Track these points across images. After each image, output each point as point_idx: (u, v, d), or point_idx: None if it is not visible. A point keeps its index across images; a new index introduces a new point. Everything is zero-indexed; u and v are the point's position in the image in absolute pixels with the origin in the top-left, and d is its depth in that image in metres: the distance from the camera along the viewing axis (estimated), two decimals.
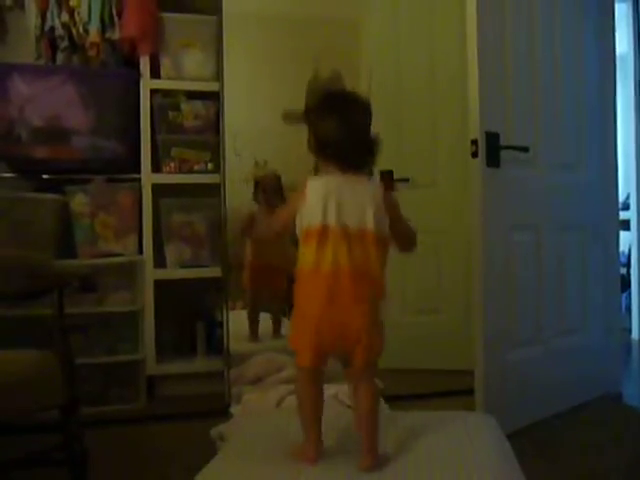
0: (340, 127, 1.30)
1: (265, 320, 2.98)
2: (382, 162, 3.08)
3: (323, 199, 1.28)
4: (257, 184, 2.79)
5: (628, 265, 3.56)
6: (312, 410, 1.31)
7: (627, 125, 3.37)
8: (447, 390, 2.38)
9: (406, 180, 2.83)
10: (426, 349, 2.77)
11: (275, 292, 3.02)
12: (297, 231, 1.34)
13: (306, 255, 1.28)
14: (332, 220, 1.27)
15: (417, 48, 2.87)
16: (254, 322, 2.85)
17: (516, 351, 2.08)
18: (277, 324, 3.02)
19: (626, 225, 3.39)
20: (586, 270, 2.38)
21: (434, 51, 2.85)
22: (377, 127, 2.79)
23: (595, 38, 2.43)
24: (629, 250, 3.56)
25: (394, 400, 2.20)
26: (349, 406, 1.92)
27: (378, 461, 1.28)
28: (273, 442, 1.41)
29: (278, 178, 2.81)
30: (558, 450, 1.93)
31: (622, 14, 3.24)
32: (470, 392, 2.21)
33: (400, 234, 1.36)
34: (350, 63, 2.97)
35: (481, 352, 1.97)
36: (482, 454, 1.39)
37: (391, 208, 1.33)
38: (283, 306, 3.07)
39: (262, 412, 2.01)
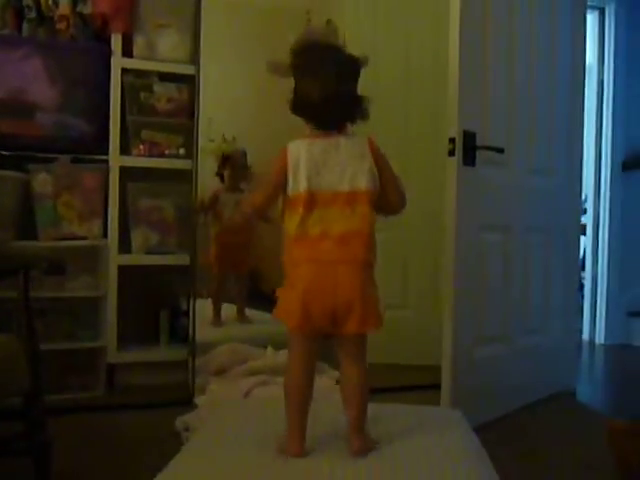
0: (316, 85, 1.23)
1: (228, 308, 2.94)
2: None
3: (307, 163, 1.23)
4: (225, 159, 2.73)
5: (582, 268, 3.70)
6: (301, 390, 1.24)
7: (588, 133, 3.49)
8: (412, 384, 2.42)
9: None
10: (392, 344, 2.78)
11: (240, 276, 2.98)
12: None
13: (293, 222, 1.23)
14: (319, 184, 1.22)
15: (393, 44, 2.87)
16: (218, 305, 2.81)
17: (482, 348, 2.13)
18: (242, 309, 2.99)
19: (582, 230, 3.52)
20: (549, 271, 2.46)
21: (410, 49, 2.86)
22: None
23: (568, 48, 2.50)
24: (584, 253, 3.70)
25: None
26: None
27: (367, 444, 1.25)
28: (241, 433, 1.36)
29: (244, 155, 2.76)
30: (520, 443, 1.98)
31: (589, 25, 3.35)
32: (435, 387, 2.25)
33: (391, 190, 1.28)
34: None
35: (449, 348, 2.00)
36: (453, 446, 1.41)
37: (381, 161, 1.27)
38: (247, 289, 3.03)
39: (229, 402, 1.98)
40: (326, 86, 1.23)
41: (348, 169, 1.22)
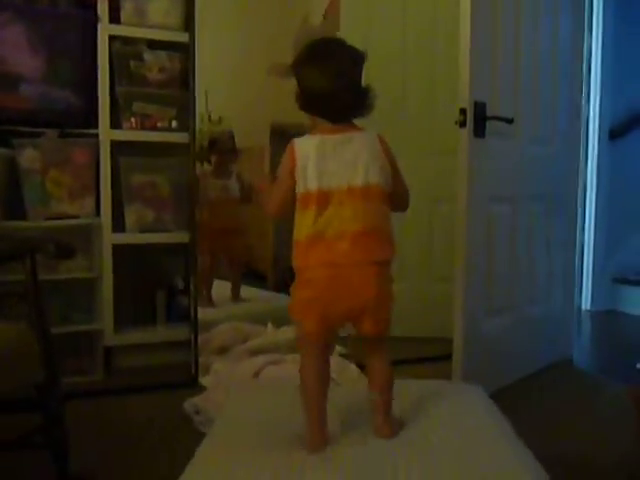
0: (323, 77, 1.21)
1: (221, 285, 2.89)
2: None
3: (317, 161, 1.19)
4: (212, 143, 2.65)
5: None
6: (317, 390, 1.21)
7: None
8: (421, 357, 2.42)
9: None
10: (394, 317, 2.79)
11: (233, 256, 2.93)
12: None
13: (306, 222, 1.18)
14: (331, 182, 1.18)
15: (389, 17, 2.79)
16: (209, 287, 2.77)
17: (491, 319, 2.13)
18: (236, 289, 2.95)
19: None
20: (550, 240, 2.47)
21: (406, 10, 2.78)
22: None
23: (569, 12, 2.47)
24: None
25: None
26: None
27: (395, 426, 1.25)
28: (262, 419, 1.31)
29: (232, 137, 2.68)
30: (531, 411, 2.01)
31: None
32: (439, 359, 2.27)
33: (399, 188, 1.27)
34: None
35: (460, 321, 1.99)
36: (481, 423, 1.41)
37: (391, 158, 1.25)
38: (242, 271, 2.99)
39: (241, 384, 1.94)
40: (337, 76, 1.21)
41: (361, 163, 1.19)
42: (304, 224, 1.19)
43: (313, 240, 1.18)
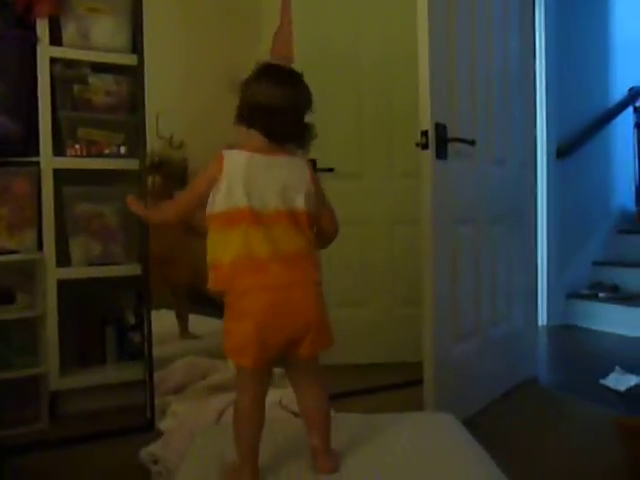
0: (279, 94, 1.20)
1: (168, 318, 2.74)
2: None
3: (247, 176, 1.15)
4: (159, 164, 2.52)
5: None
6: (251, 427, 1.17)
7: None
8: (383, 385, 2.35)
9: (330, 170, 2.74)
10: (353, 343, 2.72)
11: (176, 287, 2.78)
12: (207, 213, 1.18)
13: (232, 241, 1.12)
14: (261, 202, 1.14)
15: (343, 29, 2.75)
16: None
17: (459, 343, 2.09)
18: (184, 323, 2.80)
19: None
20: (511, 260, 2.47)
21: (360, 35, 2.76)
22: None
23: (518, 43, 2.52)
24: None
25: (339, 397, 2.11)
26: (294, 413, 1.80)
27: (336, 462, 1.22)
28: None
29: (185, 165, 2.57)
30: (502, 439, 1.96)
31: None
32: (406, 385, 2.21)
33: (325, 218, 1.26)
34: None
35: (430, 346, 1.95)
36: (457, 453, 1.37)
37: (318, 187, 1.24)
38: (187, 303, 2.84)
39: (198, 428, 1.79)
40: (292, 97, 1.21)
41: (289, 188, 1.17)
42: (230, 244, 1.12)
43: (243, 262, 1.12)
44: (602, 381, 2.49)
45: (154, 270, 2.57)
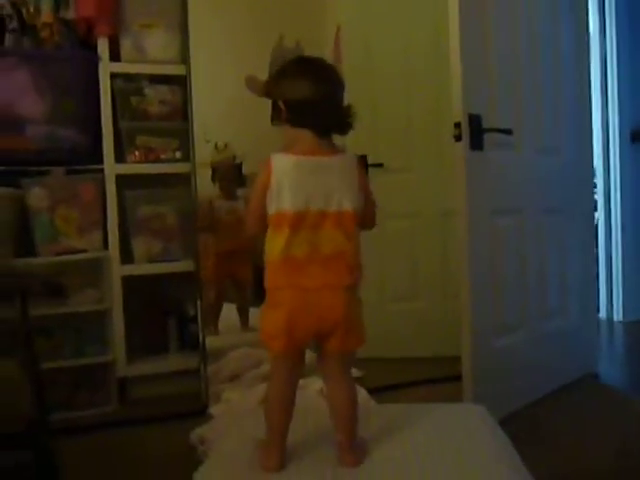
0: (316, 86, 1.22)
1: (230, 311, 2.88)
2: (355, 147, 3.02)
3: (294, 180, 1.19)
4: (214, 171, 2.67)
5: (596, 245, 3.61)
6: (280, 412, 1.24)
7: (594, 107, 3.39)
8: (431, 378, 2.35)
9: (380, 165, 2.77)
10: (405, 337, 2.74)
11: (240, 282, 2.92)
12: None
13: (278, 241, 1.19)
14: (306, 204, 1.19)
15: (390, 24, 2.76)
16: (216, 314, 2.76)
17: (502, 337, 2.06)
18: (244, 316, 2.93)
19: (594, 205, 3.43)
20: (564, 252, 2.38)
21: (409, 31, 2.75)
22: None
23: (570, 21, 2.41)
24: (596, 230, 3.61)
25: (379, 391, 2.16)
26: None
27: (359, 456, 1.25)
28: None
29: (236, 166, 2.69)
30: (547, 434, 1.92)
31: None
32: (455, 379, 2.19)
33: (368, 210, 1.30)
34: (318, 39, 2.85)
35: (468, 339, 1.93)
36: (480, 447, 1.36)
37: (364, 181, 1.28)
38: (250, 297, 2.97)
39: (245, 412, 1.92)
40: (326, 83, 1.23)
41: (336, 189, 1.20)
42: (276, 245, 1.19)
43: (284, 261, 1.19)
44: None
45: (220, 265, 2.74)
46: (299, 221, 1.18)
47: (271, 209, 1.20)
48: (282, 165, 1.20)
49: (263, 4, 2.64)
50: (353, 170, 1.25)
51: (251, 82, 1.35)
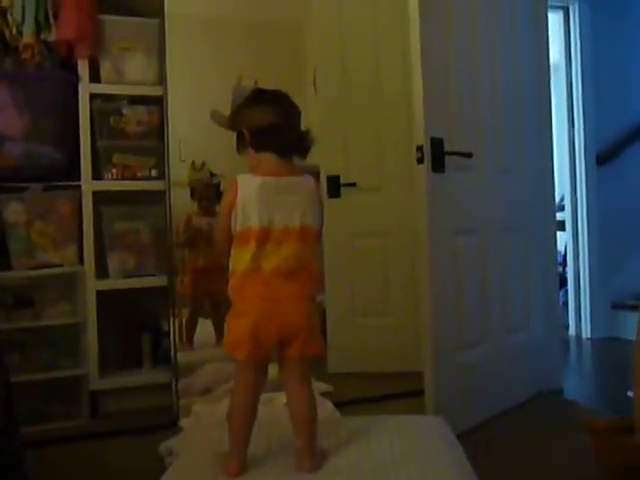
0: (273, 112, 1.33)
1: (207, 326, 2.92)
2: (329, 167, 3.10)
3: (259, 199, 1.28)
4: (192, 190, 2.74)
5: (564, 264, 3.72)
6: (243, 419, 1.30)
7: (561, 131, 3.53)
8: (398, 392, 2.41)
9: (353, 185, 2.86)
10: (375, 352, 2.80)
11: (217, 298, 2.97)
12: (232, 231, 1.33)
13: (244, 256, 1.28)
14: (271, 221, 1.28)
15: (362, 53, 2.89)
16: (191, 330, 2.80)
17: (464, 352, 2.13)
18: (220, 332, 2.97)
19: (561, 226, 3.54)
20: (527, 270, 2.47)
21: (379, 56, 2.87)
22: (323, 131, 2.79)
23: (530, 48, 2.53)
24: (565, 249, 3.73)
25: (345, 405, 2.21)
26: None
27: (318, 462, 1.31)
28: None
29: (214, 185, 2.77)
30: (507, 448, 1.98)
31: (554, 25, 3.40)
32: (420, 393, 2.25)
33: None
34: (294, 66, 2.98)
35: (430, 355, 2.00)
36: (434, 456, 1.42)
37: (321, 203, 1.39)
38: (226, 313, 3.01)
39: (212, 424, 1.96)
40: (285, 112, 1.35)
41: (298, 207, 1.31)
42: (242, 258, 1.28)
43: (250, 273, 1.27)
44: (629, 393, 2.42)
45: (197, 281, 2.79)
46: (264, 236, 1.27)
47: (238, 226, 1.28)
48: (247, 185, 1.30)
49: (241, 30, 2.75)
50: (313, 189, 1.36)
51: (216, 115, 1.45)
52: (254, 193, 1.29)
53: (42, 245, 2.33)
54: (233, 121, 1.40)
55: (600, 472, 1.53)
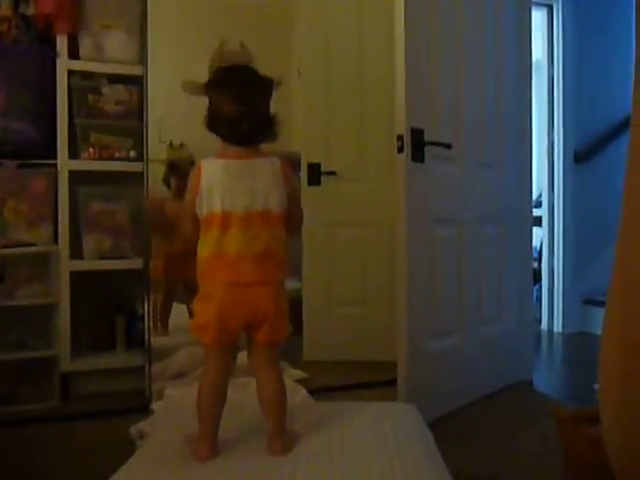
0: (227, 102, 1.28)
1: (182, 311, 2.90)
2: (309, 155, 3.10)
3: (222, 183, 1.27)
4: (171, 167, 2.70)
5: (539, 259, 3.78)
6: (212, 403, 1.30)
7: (540, 128, 3.57)
8: (373, 381, 2.42)
9: (333, 173, 2.86)
10: (352, 341, 2.81)
11: (191, 283, 2.94)
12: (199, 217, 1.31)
13: (209, 241, 1.27)
14: (233, 205, 1.26)
15: (346, 42, 2.88)
16: (166, 314, 2.78)
17: (438, 341, 2.15)
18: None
19: (538, 222, 3.59)
20: (502, 263, 2.50)
21: (363, 46, 2.86)
22: (305, 119, 2.79)
23: (514, 45, 2.55)
24: (540, 245, 3.78)
25: (320, 392, 2.22)
26: None
27: (288, 445, 1.32)
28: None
29: (193, 163, 2.73)
30: (477, 436, 2.01)
31: (537, 22, 3.43)
32: (395, 382, 2.27)
33: (294, 211, 1.37)
34: (280, 50, 2.96)
35: (404, 343, 2.02)
36: (403, 441, 1.44)
37: (290, 183, 1.35)
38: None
39: (185, 408, 1.96)
40: (240, 102, 1.28)
41: (261, 190, 1.28)
42: (207, 243, 1.27)
43: (215, 258, 1.26)
44: (595, 385, 2.47)
45: (170, 266, 2.77)
46: (227, 221, 1.26)
47: (204, 211, 1.27)
48: (211, 169, 1.28)
49: (224, 11, 2.71)
50: (278, 172, 1.32)
51: (189, 85, 1.38)
52: (217, 177, 1.27)
53: (15, 223, 2.29)
54: (205, 94, 1.33)
55: (565, 459, 1.56)
